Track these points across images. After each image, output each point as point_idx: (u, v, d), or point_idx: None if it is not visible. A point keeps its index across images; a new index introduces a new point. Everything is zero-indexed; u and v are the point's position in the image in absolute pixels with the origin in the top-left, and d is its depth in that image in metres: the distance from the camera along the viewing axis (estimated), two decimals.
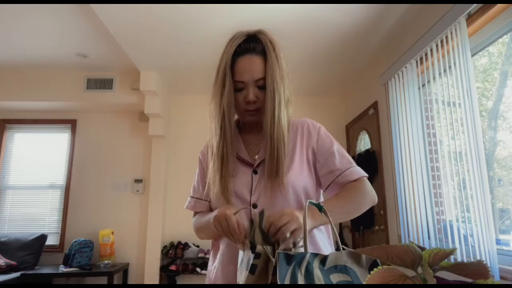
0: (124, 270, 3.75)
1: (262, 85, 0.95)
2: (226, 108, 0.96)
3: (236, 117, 1.06)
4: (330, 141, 1.02)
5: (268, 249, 0.69)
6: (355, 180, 0.96)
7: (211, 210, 1.04)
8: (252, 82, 0.95)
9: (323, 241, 0.98)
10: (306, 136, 1.02)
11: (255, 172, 0.98)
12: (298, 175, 0.96)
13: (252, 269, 0.66)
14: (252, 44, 0.97)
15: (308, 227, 0.75)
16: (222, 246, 1.00)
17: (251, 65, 0.95)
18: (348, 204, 0.93)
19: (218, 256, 1.00)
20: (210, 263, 1.04)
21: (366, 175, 0.99)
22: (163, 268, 3.70)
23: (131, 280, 3.84)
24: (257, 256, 0.68)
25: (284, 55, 0.99)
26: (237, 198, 0.96)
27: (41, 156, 4.11)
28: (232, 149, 0.98)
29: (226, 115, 0.97)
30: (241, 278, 0.69)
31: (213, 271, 1.00)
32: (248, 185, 0.97)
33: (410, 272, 0.44)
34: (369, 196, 0.97)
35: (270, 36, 0.99)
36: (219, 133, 0.97)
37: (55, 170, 4.08)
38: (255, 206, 0.95)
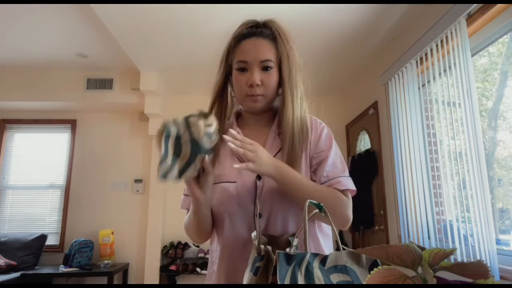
0: (124, 270, 3.76)
1: (267, 67, 0.90)
2: (214, 90, 0.96)
3: (234, 115, 1.01)
4: (329, 145, 0.93)
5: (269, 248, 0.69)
6: (340, 191, 0.88)
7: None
8: (257, 63, 0.89)
9: (326, 242, 0.92)
10: (308, 135, 0.94)
11: (258, 177, 0.89)
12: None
13: (256, 271, 0.66)
14: (260, 29, 0.94)
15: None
16: (220, 249, 0.94)
17: (256, 46, 0.91)
18: (316, 196, 0.78)
19: (216, 258, 0.95)
20: (209, 265, 1.00)
21: (354, 188, 0.90)
22: (163, 268, 3.70)
23: (131, 280, 3.84)
24: (261, 258, 0.68)
25: (297, 48, 0.95)
26: (239, 206, 0.89)
27: (41, 156, 4.11)
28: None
29: (217, 100, 0.96)
30: (245, 279, 0.69)
31: (212, 274, 0.95)
32: (252, 193, 0.88)
33: (410, 272, 0.44)
34: (343, 211, 0.86)
35: (279, 24, 0.95)
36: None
37: (55, 170, 4.08)
38: (260, 216, 0.87)
